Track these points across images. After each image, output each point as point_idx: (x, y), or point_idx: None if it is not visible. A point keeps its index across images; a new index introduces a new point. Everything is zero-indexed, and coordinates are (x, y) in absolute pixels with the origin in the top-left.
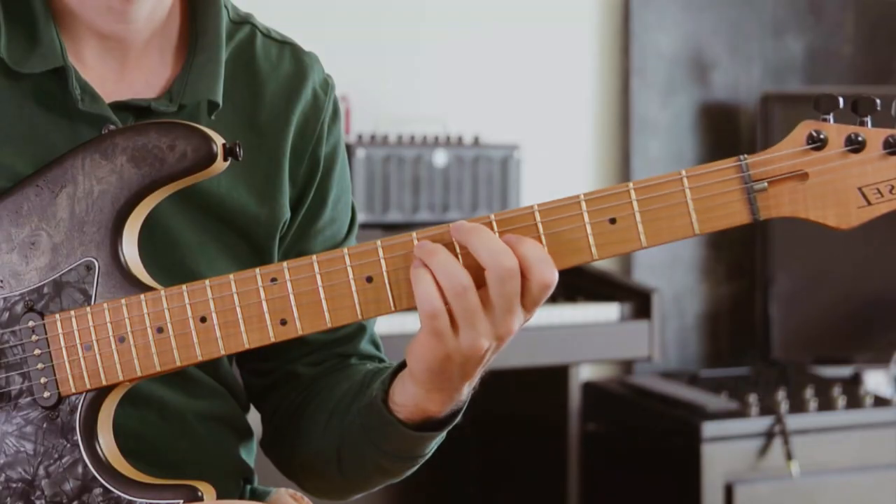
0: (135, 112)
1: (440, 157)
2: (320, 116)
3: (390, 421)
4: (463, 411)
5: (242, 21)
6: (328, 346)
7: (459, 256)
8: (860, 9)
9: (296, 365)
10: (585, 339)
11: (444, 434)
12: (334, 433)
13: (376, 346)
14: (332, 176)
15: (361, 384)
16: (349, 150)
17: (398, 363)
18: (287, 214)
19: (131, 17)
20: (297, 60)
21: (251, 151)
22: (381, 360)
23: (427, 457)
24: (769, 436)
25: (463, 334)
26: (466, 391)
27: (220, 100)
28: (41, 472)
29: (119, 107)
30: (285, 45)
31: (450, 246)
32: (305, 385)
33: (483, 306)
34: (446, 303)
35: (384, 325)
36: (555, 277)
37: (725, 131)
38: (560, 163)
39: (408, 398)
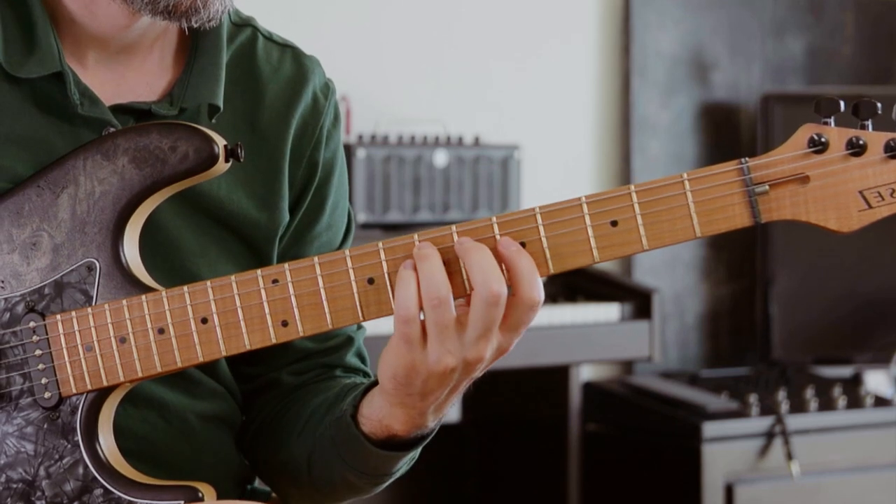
0: (135, 115)
1: (440, 157)
2: (320, 120)
3: (356, 436)
4: (429, 439)
5: (244, 24)
6: (315, 355)
7: (464, 270)
8: (860, 9)
9: (281, 372)
10: (585, 339)
11: (414, 454)
12: (307, 442)
13: (362, 360)
14: (330, 181)
15: (337, 396)
16: (349, 150)
17: (373, 380)
18: (286, 218)
19: (136, 25)
20: (298, 64)
21: (251, 155)
22: (365, 374)
23: (395, 476)
24: (769, 436)
25: (431, 347)
26: (432, 420)
27: (220, 103)
28: (42, 472)
29: (120, 110)
30: (286, 48)
31: (451, 249)
32: (287, 393)
33: (458, 324)
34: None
35: (385, 326)
36: (541, 297)
37: (725, 131)
38: (560, 163)
39: (373, 411)
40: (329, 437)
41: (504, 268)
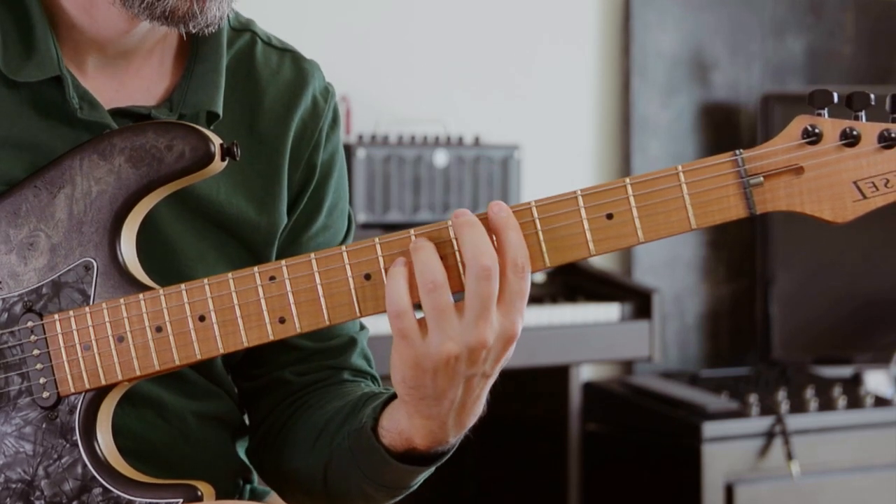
0: (134, 120)
1: (440, 157)
2: (319, 123)
3: (377, 449)
4: (448, 456)
5: (243, 28)
6: (318, 355)
7: (457, 253)
8: (860, 9)
9: (284, 372)
10: (585, 339)
11: (431, 469)
12: (323, 451)
13: (367, 361)
14: (328, 183)
15: (354, 406)
16: (349, 150)
17: (392, 392)
18: (285, 221)
19: (136, 30)
20: (297, 68)
21: (250, 159)
22: (373, 377)
23: (412, 489)
24: (769, 436)
25: (431, 335)
26: (453, 436)
27: (220, 110)
28: (40, 472)
29: (119, 114)
30: (286, 52)
31: (447, 244)
32: (295, 394)
33: (456, 309)
34: (419, 302)
35: (385, 326)
36: (527, 260)
37: (725, 131)
38: (560, 163)
39: (394, 423)
40: (347, 448)
41: (493, 230)
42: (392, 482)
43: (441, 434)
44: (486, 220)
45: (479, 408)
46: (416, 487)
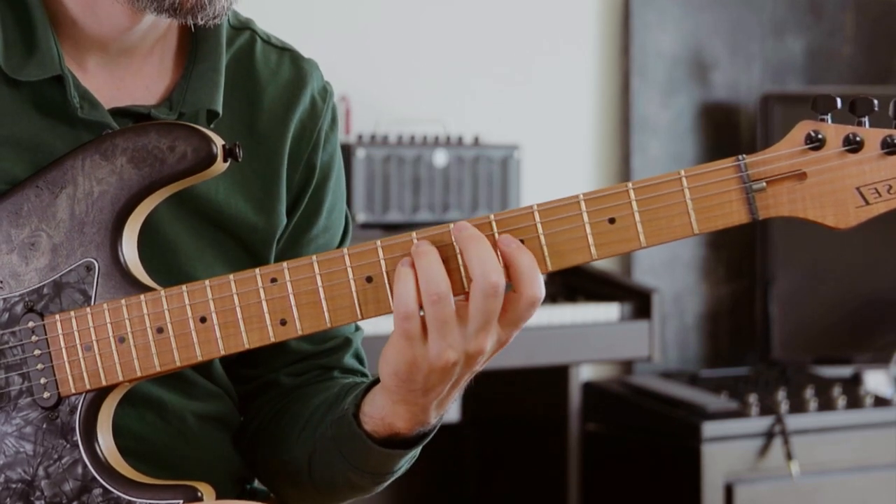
0: (135, 119)
1: (440, 157)
2: (318, 123)
3: (359, 435)
4: (431, 436)
5: (243, 27)
6: (313, 357)
7: (460, 256)
8: (860, 9)
9: (278, 374)
10: (585, 339)
11: (415, 452)
12: (307, 443)
13: (360, 361)
14: (327, 184)
15: (337, 396)
16: (349, 150)
17: (373, 379)
18: (284, 221)
19: (138, 27)
20: (296, 67)
21: (249, 158)
22: (363, 375)
23: (397, 474)
24: (769, 436)
25: (431, 342)
26: (434, 417)
27: (219, 109)
28: (41, 472)
29: (119, 113)
30: (285, 51)
31: (450, 247)
32: (285, 394)
33: (459, 318)
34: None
35: (385, 325)
36: (542, 293)
37: (725, 131)
38: (560, 163)
39: (376, 409)
40: (330, 437)
41: (504, 264)
42: (376, 468)
43: (423, 417)
44: (482, 228)
45: (459, 393)
46: (400, 473)
